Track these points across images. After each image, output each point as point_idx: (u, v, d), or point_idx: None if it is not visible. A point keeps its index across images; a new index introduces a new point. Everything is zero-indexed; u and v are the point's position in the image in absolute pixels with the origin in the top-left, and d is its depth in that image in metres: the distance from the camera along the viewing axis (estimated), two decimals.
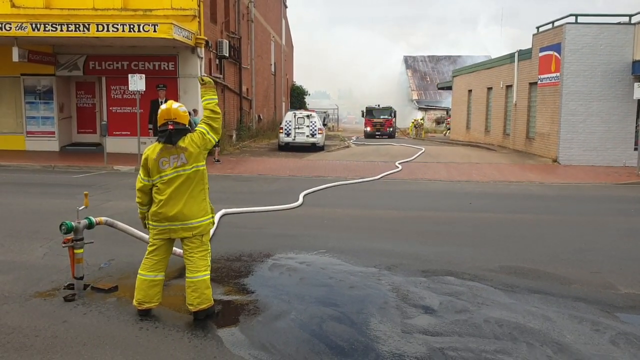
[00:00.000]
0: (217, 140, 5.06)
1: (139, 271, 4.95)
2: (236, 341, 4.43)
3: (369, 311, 5.08)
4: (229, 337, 4.50)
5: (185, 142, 4.78)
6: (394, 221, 9.50)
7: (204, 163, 4.92)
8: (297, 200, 10.90)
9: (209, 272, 4.91)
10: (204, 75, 5.26)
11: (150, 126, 16.79)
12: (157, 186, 4.81)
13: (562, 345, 4.43)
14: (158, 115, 4.86)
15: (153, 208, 4.83)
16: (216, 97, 5.03)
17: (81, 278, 5.53)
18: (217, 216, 8.70)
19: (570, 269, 6.63)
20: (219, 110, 4.99)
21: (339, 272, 6.27)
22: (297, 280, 5.97)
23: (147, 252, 4.98)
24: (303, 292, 5.56)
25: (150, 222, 4.92)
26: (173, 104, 4.88)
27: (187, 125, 4.87)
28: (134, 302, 4.93)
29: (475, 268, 6.56)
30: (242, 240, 7.74)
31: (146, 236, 5.52)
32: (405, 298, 5.44)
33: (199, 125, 4.99)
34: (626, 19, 19.97)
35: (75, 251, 5.41)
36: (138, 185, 4.95)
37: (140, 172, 4.94)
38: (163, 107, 4.88)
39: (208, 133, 4.90)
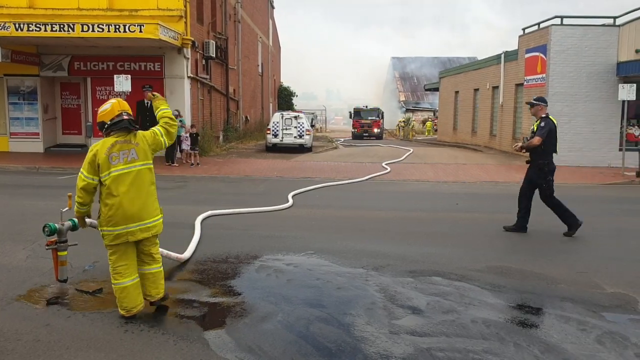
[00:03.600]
0: (168, 144, 5.24)
1: (116, 281, 4.79)
2: (222, 344, 4.39)
3: (357, 312, 5.06)
4: (215, 340, 4.45)
5: (137, 137, 4.92)
6: (381, 222, 9.49)
7: (152, 162, 5.02)
8: (288, 201, 10.84)
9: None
10: (153, 93, 5.62)
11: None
12: (106, 186, 4.69)
13: (549, 345, 4.44)
14: (108, 111, 4.88)
15: (107, 213, 4.71)
16: (169, 107, 5.42)
17: (65, 280, 5.46)
18: (200, 217, 8.62)
19: (557, 269, 6.66)
20: (175, 118, 5.34)
21: (327, 273, 6.24)
22: (285, 282, 5.93)
23: (112, 263, 4.82)
24: (290, 294, 5.53)
25: (104, 229, 4.77)
26: (119, 99, 5.07)
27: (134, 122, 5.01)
28: (122, 313, 4.80)
29: (462, 268, 6.57)
30: (229, 241, 7.68)
31: None
32: (392, 299, 5.43)
33: (156, 126, 5.18)
34: (610, 21, 20.18)
35: (59, 253, 5.36)
36: (81, 184, 4.75)
37: (84, 169, 4.75)
38: (112, 101, 4.98)
39: (162, 135, 5.12)
